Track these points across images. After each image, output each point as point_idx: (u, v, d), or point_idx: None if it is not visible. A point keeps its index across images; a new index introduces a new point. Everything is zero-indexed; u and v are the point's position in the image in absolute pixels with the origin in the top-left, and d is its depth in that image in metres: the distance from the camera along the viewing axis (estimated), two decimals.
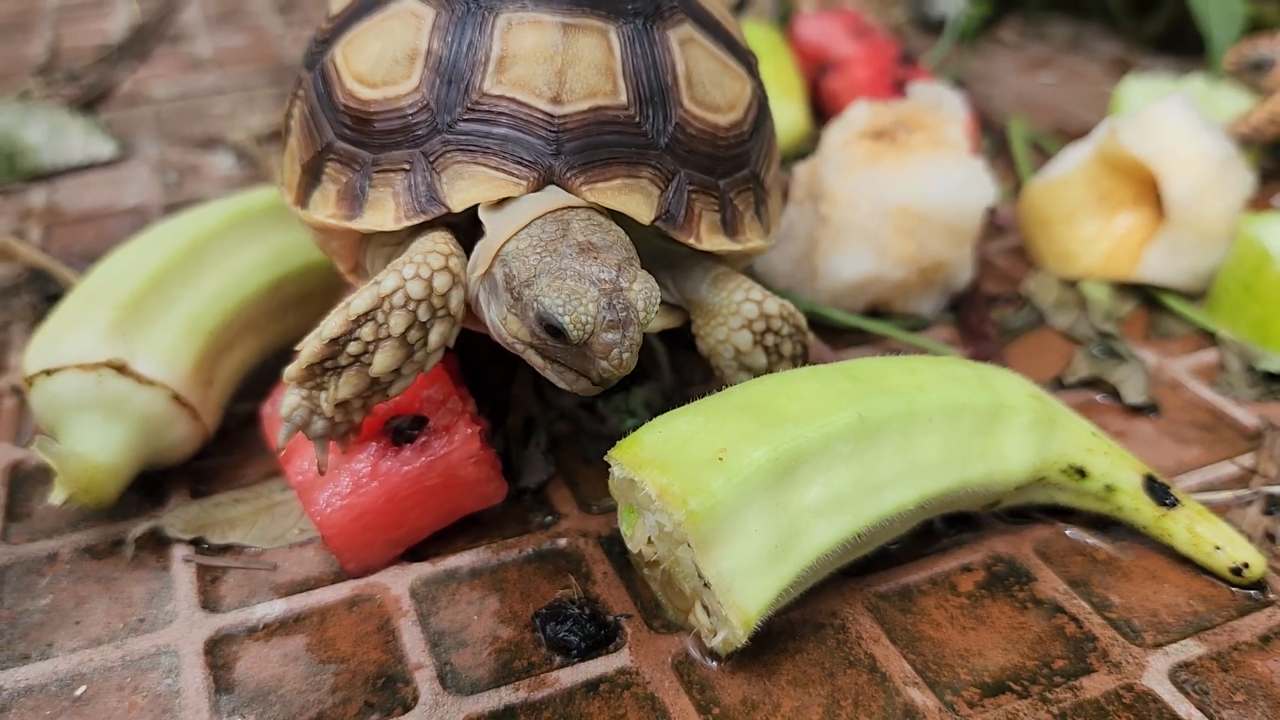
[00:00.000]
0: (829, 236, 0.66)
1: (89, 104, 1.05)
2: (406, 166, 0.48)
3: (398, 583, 0.50)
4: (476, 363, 0.61)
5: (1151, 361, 0.65)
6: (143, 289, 0.56)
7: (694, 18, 0.52)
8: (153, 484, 0.56)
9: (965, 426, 0.49)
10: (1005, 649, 0.46)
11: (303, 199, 0.51)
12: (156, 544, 0.52)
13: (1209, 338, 0.67)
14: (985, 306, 0.69)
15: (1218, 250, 0.68)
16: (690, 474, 0.43)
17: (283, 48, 1.21)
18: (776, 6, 1.05)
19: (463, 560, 0.51)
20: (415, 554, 0.51)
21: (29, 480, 0.57)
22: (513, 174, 0.47)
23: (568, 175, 0.47)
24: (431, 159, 0.47)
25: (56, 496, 0.50)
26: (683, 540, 0.43)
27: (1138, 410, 0.61)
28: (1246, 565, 0.48)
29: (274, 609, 0.49)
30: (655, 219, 0.48)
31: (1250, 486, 0.55)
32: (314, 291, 0.62)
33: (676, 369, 0.63)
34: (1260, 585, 0.49)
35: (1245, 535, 0.51)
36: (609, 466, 0.47)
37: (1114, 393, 0.62)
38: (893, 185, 0.65)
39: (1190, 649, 0.46)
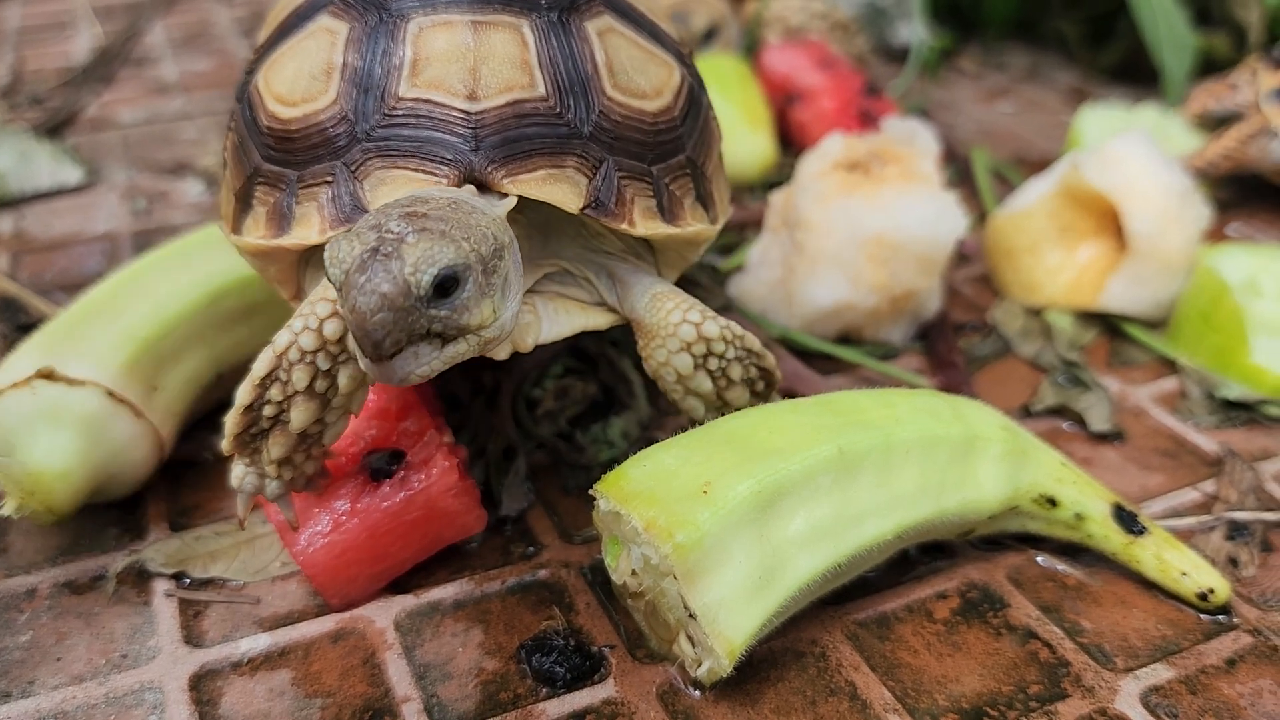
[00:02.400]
0: (805, 263, 0.67)
1: (54, 128, 1.04)
2: (329, 179, 0.48)
3: (382, 615, 0.50)
4: (453, 392, 0.62)
5: (1115, 389, 0.67)
6: (77, 315, 0.57)
7: (613, 9, 0.52)
8: (132, 518, 0.56)
9: (940, 458, 0.50)
10: (981, 675, 0.48)
11: (236, 226, 0.51)
12: (137, 578, 0.52)
13: (1170, 366, 0.69)
14: (953, 336, 0.71)
15: (1177, 280, 0.70)
16: (676, 507, 0.44)
17: None
18: (743, 38, 1.07)
19: (446, 592, 0.52)
20: (398, 586, 0.52)
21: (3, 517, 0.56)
22: (433, 174, 0.46)
23: (488, 169, 0.46)
24: (353, 168, 0.47)
25: (7, 507, 0.51)
26: (669, 572, 0.44)
27: (1103, 438, 0.63)
28: (1212, 590, 0.50)
29: (258, 643, 0.49)
30: (584, 207, 0.48)
31: (1213, 512, 0.57)
32: (259, 303, 0.62)
33: (653, 399, 0.64)
34: (1225, 610, 0.50)
35: (1209, 560, 0.52)
36: (591, 497, 0.47)
37: (1080, 420, 0.64)
38: (868, 215, 0.66)
39: (1160, 673, 0.47)
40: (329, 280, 0.41)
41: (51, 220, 0.87)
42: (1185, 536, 0.54)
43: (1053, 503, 0.52)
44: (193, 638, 0.49)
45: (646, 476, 0.46)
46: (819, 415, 0.49)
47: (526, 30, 0.49)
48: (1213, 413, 0.64)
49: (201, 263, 0.62)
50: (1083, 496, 0.52)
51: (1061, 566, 0.53)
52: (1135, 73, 1.14)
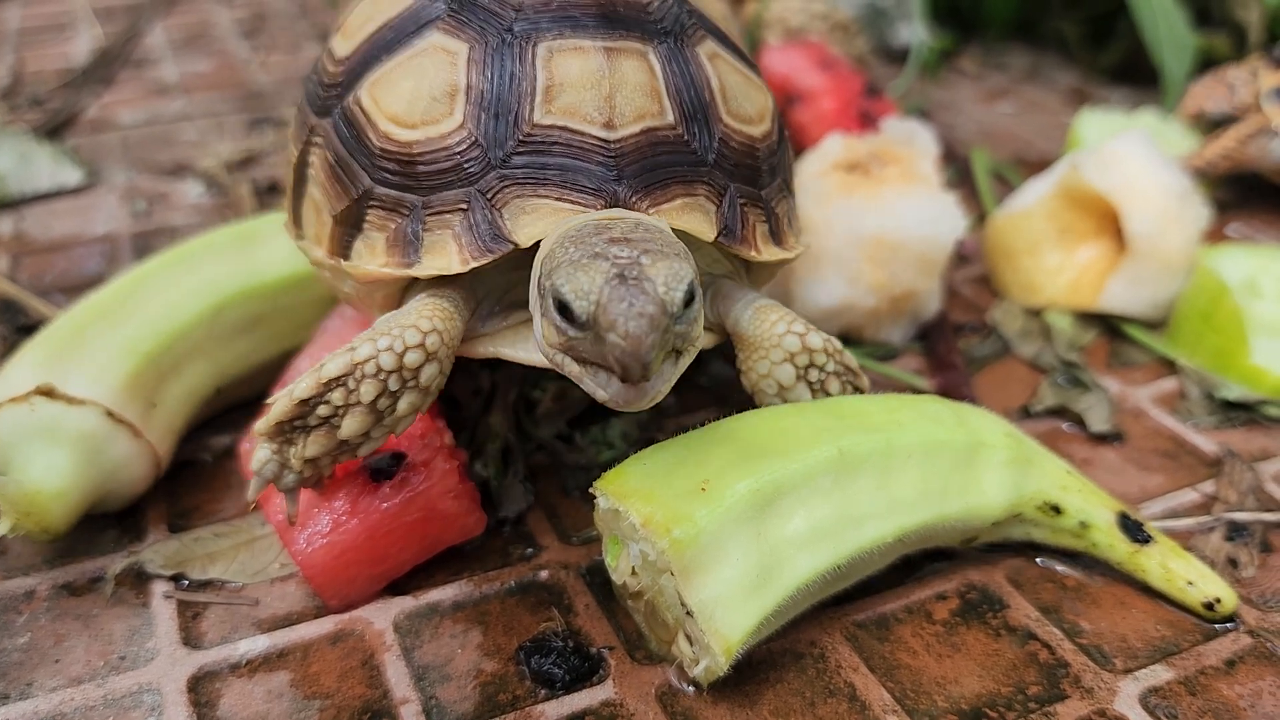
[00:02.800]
0: (804, 264, 0.67)
1: (54, 130, 1.04)
2: (464, 206, 0.47)
3: (381, 617, 0.50)
4: (452, 394, 0.61)
5: (1114, 390, 0.67)
6: (76, 324, 0.56)
7: (713, 34, 0.52)
8: (131, 519, 0.56)
9: (943, 463, 0.50)
10: (981, 676, 0.47)
11: (341, 251, 0.49)
12: (136, 580, 0.52)
13: (1169, 366, 0.69)
14: (953, 336, 0.71)
15: (1177, 281, 0.70)
16: (674, 504, 0.44)
17: (250, 74, 1.21)
18: (743, 39, 1.07)
19: (445, 593, 0.52)
20: (397, 588, 0.52)
21: None
22: (578, 203, 0.46)
23: (632, 199, 0.46)
24: (489, 196, 0.46)
25: (1, 527, 0.50)
26: (666, 569, 0.44)
27: (1102, 438, 0.63)
28: (1218, 600, 0.49)
29: (257, 645, 0.49)
30: (717, 235, 0.48)
31: (1212, 513, 0.56)
32: (261, 316, 0.62)
33: None
34: (1230, 620, 0.50)
35: (1208, 561, 0.52)
36: (590, 497, 0.47)
37: (1079, 421, 0.63)
38: (867, 216, 0.66)
39: (1159, 674, 0.47)
40: (570, 316, 0.40)
41: (51, 222, 0.87)
42: (1184, 537, 0.54)
43: (1057, 510, 0.52)
44: (191, 639, 0.49)
45: (645, 474, 0.46)
46: (820, 418, 0.49)
47: (652, 57, 0.49)
48: (1212, 413, 0.64)
49: (203, 272, 0.61)
50: (1088, 505, 0.52)
51: (1061, 567, 0.53)
52: (1135, 73, 1.14)
